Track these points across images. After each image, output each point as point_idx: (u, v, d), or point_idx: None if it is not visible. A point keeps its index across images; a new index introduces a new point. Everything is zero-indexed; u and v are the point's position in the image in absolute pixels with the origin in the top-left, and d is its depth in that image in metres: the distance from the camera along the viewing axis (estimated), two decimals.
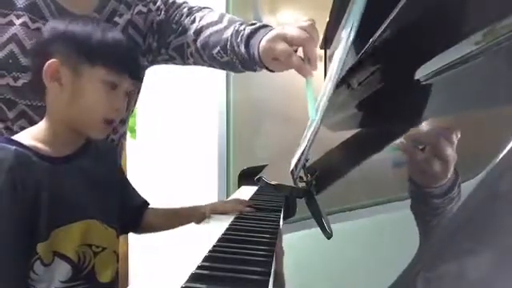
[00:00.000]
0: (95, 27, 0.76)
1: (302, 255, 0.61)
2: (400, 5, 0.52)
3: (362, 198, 0.59)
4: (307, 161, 0.87)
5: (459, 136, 0.38)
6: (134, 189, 0.93)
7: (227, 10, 1.84)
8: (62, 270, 0.73)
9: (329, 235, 0.54)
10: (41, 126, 0.77)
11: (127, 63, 0.79)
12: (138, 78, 0.83)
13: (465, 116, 0.42)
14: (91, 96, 0.75)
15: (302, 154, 0.76)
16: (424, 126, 0.50)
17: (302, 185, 0.84)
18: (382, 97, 0.73)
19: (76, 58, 0.74)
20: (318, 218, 0.63)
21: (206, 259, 0.54)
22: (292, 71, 0.82)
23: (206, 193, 1.81)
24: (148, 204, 0.92)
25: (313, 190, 0.77)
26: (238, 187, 1.27)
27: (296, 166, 0.79)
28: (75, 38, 0.75)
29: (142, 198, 0.92)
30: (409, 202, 0.42)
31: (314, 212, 0.69)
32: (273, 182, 0.88)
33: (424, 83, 0.54)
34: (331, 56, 0.94)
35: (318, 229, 0.58)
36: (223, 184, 1.85)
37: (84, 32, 0.75)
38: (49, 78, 0.74)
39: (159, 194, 1.78)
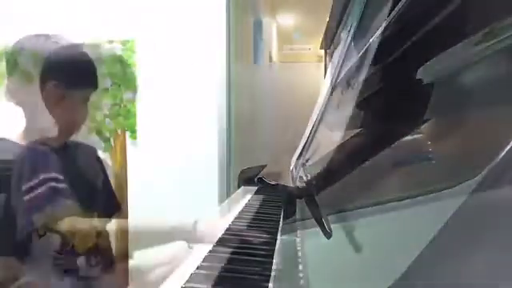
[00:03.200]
0: (61, 49, 0.86)
1: (302, 255, 0.61)
2: (399, 5, 0.52)
3: (362, 199, 0.59)
4: (307, 161, 0.87)
5: (460, 135, 0.38)
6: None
7: (227, 10, 1.84)
8: (55, 239, 0.83)
9: (329, 235, 0.54)
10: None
11: (91, 77, 0.89)
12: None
13: (465, 116, 0.42)
14: (72, 115, 0.87)
15: (302, 153, 0.76)
16: (424, 125, 0.50)
17: (302, 185, 0.84)
18: (382, 97, 0.73)
19: (64, 84, 0.84)
20: (318, 218, 0.63)
21: (206, 259, 0.54)
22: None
23: (206, 193, 1.81)
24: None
25: (313, 190, 0.77)
26: (238, 187, 1.27)
27: (296, 165, 0.79)
28: (58, 64, 0.85)
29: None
30: (409, 201, 0.42)
31: (313, 212, 0.69)
32: (273, 183, 0.88)
33: (424, 83, 0.54)
34: (331, 56, 0.94)
35: (318, 229, 0.58)
36: (223, 184, 1.85)
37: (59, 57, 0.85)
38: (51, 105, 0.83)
39: (159, 194, 1.78)
